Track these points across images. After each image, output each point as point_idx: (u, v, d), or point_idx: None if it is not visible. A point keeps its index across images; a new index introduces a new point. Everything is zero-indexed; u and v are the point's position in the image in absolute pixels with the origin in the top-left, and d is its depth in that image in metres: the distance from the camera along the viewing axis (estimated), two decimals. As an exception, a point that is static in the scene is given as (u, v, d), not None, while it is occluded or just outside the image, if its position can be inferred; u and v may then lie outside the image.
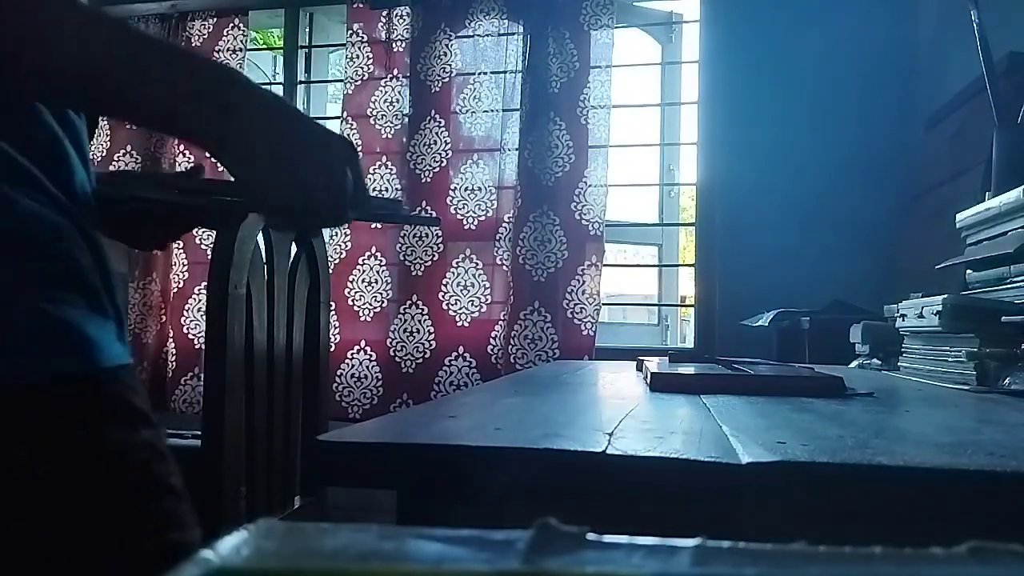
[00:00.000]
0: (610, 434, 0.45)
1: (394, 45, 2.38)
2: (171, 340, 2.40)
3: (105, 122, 2.30)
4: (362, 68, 2.39)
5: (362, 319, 2.31)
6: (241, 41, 2.50)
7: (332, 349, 2.23)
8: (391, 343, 2.27)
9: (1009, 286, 0.99)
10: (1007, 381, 0.82)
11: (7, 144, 0.49)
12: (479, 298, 2.25)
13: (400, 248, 2.29)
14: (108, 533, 0.48)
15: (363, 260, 2.31)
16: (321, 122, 0.62)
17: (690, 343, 2.37)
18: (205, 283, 1.50)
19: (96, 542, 0.48)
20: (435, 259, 2.27)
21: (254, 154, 0.54)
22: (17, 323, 0.46)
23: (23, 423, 0.46)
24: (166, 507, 0.51)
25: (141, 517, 0.50)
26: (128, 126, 2.30)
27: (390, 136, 2.36)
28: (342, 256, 2.32)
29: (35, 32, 0.46)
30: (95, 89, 0.49)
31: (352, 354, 2.29)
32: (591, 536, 0.16)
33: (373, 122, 2.36)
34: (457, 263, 2.27)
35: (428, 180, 2.30)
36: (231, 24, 2.50)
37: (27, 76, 0.48)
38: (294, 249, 1.42)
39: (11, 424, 0.45)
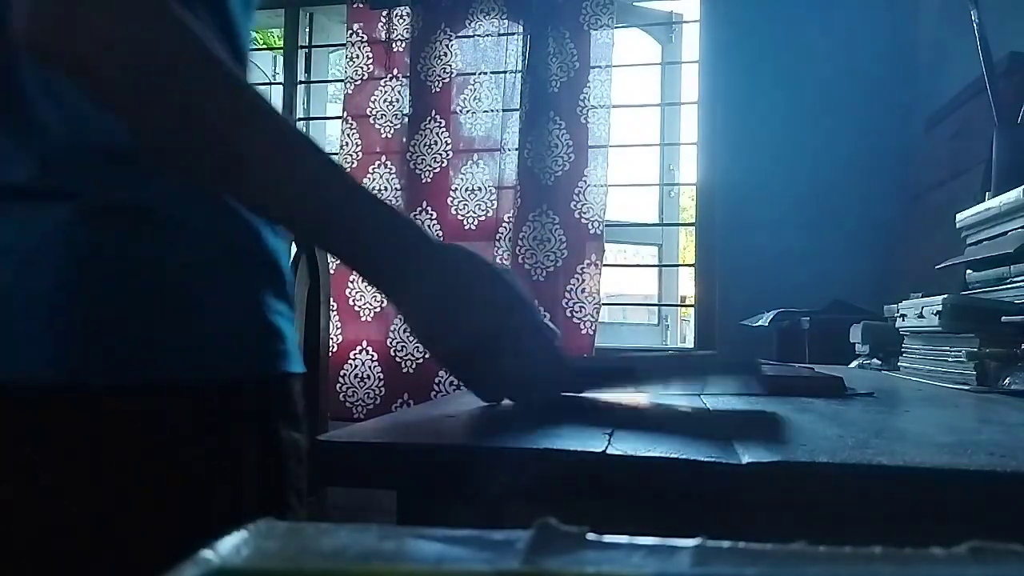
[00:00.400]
0: (610, 434, 0.45)
1: (394, 45, 2.38)
2: (171, 340, 2.40)
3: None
4: (362, 68, 2.39)
5: (363, 319, 2.30)
6: (241, 41, 2.49)
7: (335, 349, 2.24)
8: (391, 343, 2.27)
9: (1009, 286, 0.99)
10: (1007, 381, 0.82)
11: None
12: (479, 298, 2.25)
13: (400, 248, 2.29)
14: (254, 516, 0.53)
15: (363, 260, 2.31)
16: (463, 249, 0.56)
17: (690, 343, 2.37)
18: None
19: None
20: (435, 259, 2.26)
21: (431, 322, 0.53)
22: (251, 330, 0.53)
23: (233, 414, 0.52)
24: (292, 504, 0.56)
25: (282, 511, 0.55)
26: None
27: (390, 136, 2.35)
28: (342, 256, 2.32)
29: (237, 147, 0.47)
30: (280, 206, 0.49)
31: (354, 354, 2.29)
32: (591, 536, 0.16)
33: (373, 122, 2.36)
34: (457, 263, 2.26)
35: (428, 180, 2.30)
36: (231, 24, 2.49)
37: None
38: (294, 249, 1.42)
39: (229, 411, 0.51)
